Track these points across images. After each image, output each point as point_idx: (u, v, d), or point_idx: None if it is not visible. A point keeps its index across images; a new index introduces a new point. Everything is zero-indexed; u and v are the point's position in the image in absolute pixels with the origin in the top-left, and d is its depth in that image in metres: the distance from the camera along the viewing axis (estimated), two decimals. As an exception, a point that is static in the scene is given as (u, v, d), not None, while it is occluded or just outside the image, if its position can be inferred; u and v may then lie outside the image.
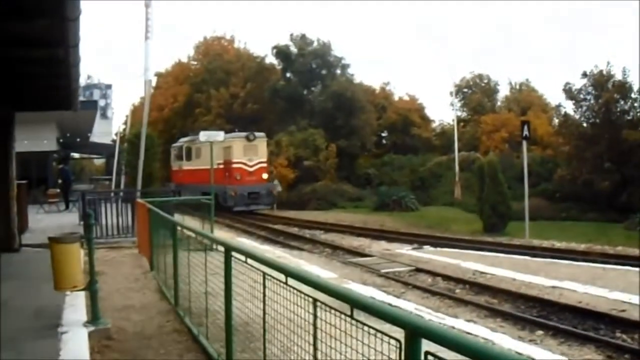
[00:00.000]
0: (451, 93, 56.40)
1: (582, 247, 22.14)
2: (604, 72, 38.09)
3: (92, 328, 7.33)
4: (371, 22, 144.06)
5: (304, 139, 49.49)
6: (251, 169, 36.35)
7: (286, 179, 45.72)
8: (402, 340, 2.77)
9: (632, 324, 10.66)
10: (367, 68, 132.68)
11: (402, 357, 2.78)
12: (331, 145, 50.37)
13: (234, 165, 35.91)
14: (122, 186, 30.51)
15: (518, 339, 9.69)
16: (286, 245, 23.08)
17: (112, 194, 22.95)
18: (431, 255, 19.62)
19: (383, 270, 16.84)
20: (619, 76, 37.82)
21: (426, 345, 2.63)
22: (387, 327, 2.98)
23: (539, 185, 38.06)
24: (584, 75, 38.67)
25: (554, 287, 13.73)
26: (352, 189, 49.33)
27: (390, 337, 2.95)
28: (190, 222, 13.86)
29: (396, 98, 63.20)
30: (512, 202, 30.17)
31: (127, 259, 14.32)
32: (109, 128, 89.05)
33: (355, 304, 3.34)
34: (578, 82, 39.10)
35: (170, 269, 9.36)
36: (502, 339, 8.80)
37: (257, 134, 37.30)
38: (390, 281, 15.54)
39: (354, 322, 3.38)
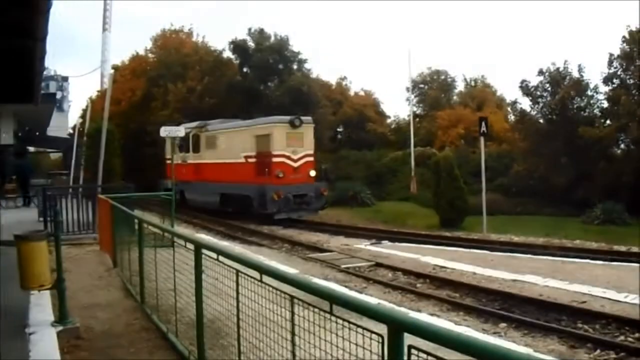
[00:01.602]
0: (407, 88, 56.83)
1: (540, 240, 22.63)
2: (560, 70, 38.76)
3: (60, 327, 7.26)
4: (328, 17, 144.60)
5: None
6: (296, 164, 29.01)
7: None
8: (385, 336, 2.80)
9: (592, 315, 10.96)
10: (324, 63, 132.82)
11: (385, 352, 2.80)
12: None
13: (275, 159, 28.40)
14: (81, 181, 29.97)
15: (482, 331, 9.84)
16: (244, 241, 23.01)
17: (72, 190, 22.54)
18: (390, 250, 19.77)
19: (343, 266, 16.91)
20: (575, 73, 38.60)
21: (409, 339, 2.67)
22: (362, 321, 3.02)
23: (495, 180, 38.37)
24: (540, 72, 39.31)
25: (514, 280, 13.98)
26: (307, 184, 48.99)
27: (373, 332, 2.97)
28: (150, 219, 13.76)
29: (352, 93, 63.44)
30: (468, 196, 30.52)
31: (89, 256, 14.17)
32: (65, 121, 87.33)
33: (335, 300, 3.33)
34: (534, 79, 39.75)
35: (134, 265, 9.30)
36: (467, 331, 8.91)
37: (303, 118, 29.75)
38: (351, 276, 15.65)
39: (333, 318, 3.36)
